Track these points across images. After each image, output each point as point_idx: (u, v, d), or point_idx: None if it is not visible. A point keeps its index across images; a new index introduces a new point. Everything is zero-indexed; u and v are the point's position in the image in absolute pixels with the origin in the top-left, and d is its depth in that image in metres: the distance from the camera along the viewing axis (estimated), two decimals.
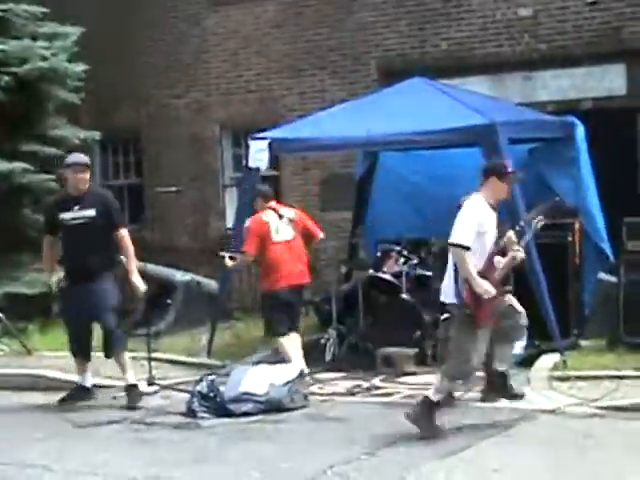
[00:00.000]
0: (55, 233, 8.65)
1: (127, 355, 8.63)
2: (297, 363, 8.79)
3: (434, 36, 12.99)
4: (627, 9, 12.01)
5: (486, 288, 6.89)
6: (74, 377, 8.84)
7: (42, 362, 10.00)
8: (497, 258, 7.10)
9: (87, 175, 8.59)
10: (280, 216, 9.27)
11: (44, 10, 12.96)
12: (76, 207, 8.47)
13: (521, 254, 7.33)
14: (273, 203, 9.40)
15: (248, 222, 9.35)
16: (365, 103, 10.48)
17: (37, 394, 9.03)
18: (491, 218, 7.15)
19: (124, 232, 8.56)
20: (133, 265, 8.50)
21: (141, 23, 14.70)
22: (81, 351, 8.64)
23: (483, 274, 6.96)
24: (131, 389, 8.42)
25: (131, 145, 15.28)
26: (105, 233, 8.48)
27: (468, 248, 6.88)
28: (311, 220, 9.62)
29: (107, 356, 8.64)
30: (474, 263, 6.92)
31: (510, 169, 7.42)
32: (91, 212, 8.47)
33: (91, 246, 8.35)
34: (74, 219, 8.47)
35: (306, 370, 8.84)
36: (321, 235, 9.58)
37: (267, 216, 9.25)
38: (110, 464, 6.69)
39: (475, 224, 7.00)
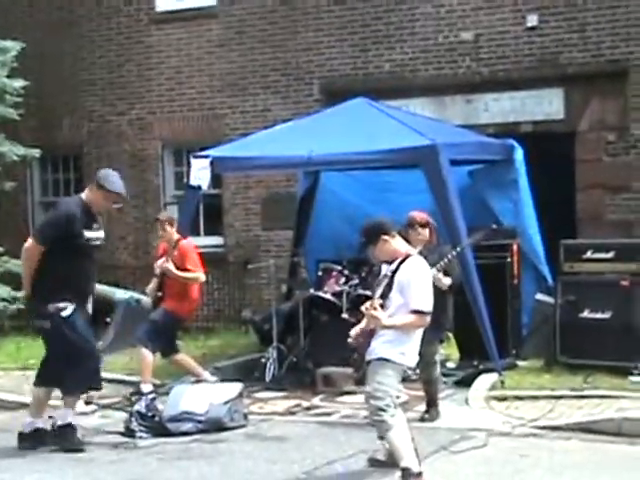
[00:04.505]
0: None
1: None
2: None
3: (377, 57, 13.13)
4: (565, 35, 12.27)
5: None
6: (7, 396, 8.62)
7: None
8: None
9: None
10: None
11: None
12: (95, 225, 7.64)
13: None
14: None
15: (190, 246, 9.43)
16: (308, 123, 10.53)
17: None
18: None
19: None
20: None
21: (83, 39, 14.63)
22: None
23: None
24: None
25: (72, 162, 15.15)
26: None
27: None
28: None
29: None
30: None
31: None
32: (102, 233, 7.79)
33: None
34: (97, 239, 7.67)
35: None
36: None
37: None
38: None
39: None
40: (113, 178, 7.72)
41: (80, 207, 7.58)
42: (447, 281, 7.92)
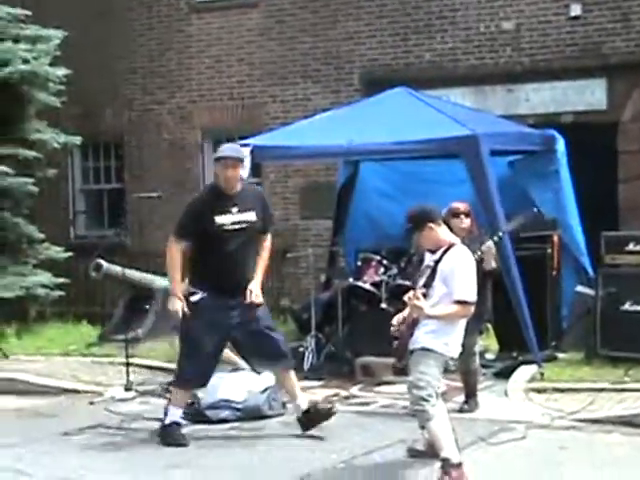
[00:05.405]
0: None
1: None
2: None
3: (417, 47, 13.07)
4: (608, 25, 12.14)
5: None
6: (48, 381, 8.66)
7: (18, 366, 9.96)
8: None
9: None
10: None
11: (27, 13, 12.93)
12: (234, 209, 7.12)
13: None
14: None
15: None
16: (348, 112, 10.50)
17: (12, 397, 8.99)
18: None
19: None
20: None
21: (124, 28, 14.70)
22: (205, 379, 7.38)
23: None
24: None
25: (112, 150, 15.25)
26: None
27: None
28: None
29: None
30: None
31: None
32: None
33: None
34: (236, 223, 7.17)
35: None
36: None
37: None
38: (85, 470, 6.64)
39: None
40: (222, 146, 7.38)
41: (212, 192, 7.20)
42: (493, 263, 7.88)
